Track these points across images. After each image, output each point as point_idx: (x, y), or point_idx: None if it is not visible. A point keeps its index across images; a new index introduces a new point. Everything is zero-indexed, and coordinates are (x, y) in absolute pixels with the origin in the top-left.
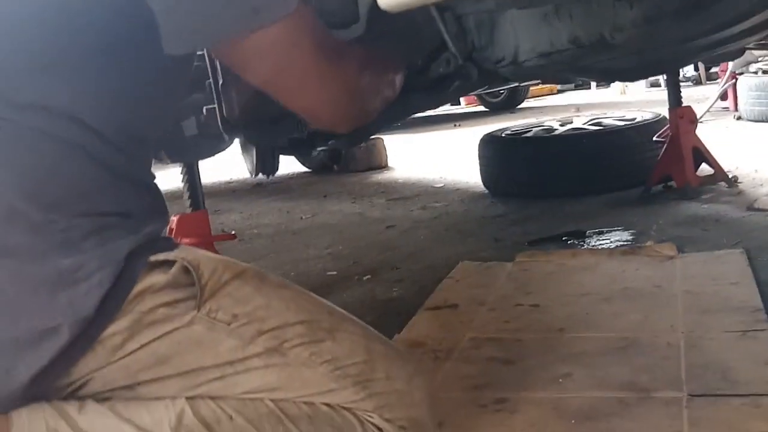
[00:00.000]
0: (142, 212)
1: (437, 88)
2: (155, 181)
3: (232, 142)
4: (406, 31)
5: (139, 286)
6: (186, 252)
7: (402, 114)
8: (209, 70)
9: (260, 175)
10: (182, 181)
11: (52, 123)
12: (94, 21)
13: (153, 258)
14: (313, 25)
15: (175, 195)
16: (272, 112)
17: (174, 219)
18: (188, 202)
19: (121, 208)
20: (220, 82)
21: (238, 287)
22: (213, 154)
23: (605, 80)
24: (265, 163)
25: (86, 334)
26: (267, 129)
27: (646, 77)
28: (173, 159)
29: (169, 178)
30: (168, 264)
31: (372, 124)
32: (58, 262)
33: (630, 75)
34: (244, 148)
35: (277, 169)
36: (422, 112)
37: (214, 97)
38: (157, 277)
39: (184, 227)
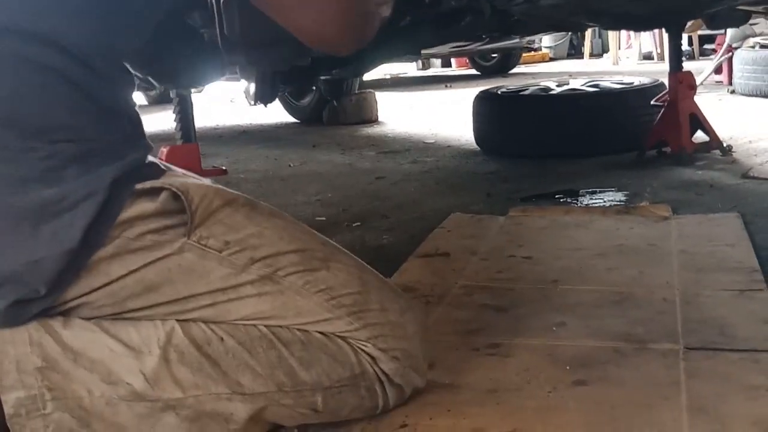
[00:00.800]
0: (124, 139)
1: (448, 22)
2: (136, 109)
3: (227, 69)
4: None
5: (125, 214)
6: (174, 178)
7: (411, 48)
8: None
9: (257, 111)
10: (174, 112)
11: (27, 47)
12: None
13: (140, 186)
14: None
15: (169, 136)
16: (275, 33)
17: (164, 150)
18: (179, 134)
19: (102, 135)
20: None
21: (230, 214)
22: (207, 82)
23: (617, 27)
24: (264, 91)
25: (71, 266)
26: (269, 51)
27: (659, 27)
28: (163, 83)
29: (162, 119)
30: (156, 191)
31: (378, 55)
32: (41, 192)
33: (643, 23)
34: (244, 74)
35: (275, 98)
36: (430, 47)
37: (215, 12)
38: (145, 205)
39: (174, 159)
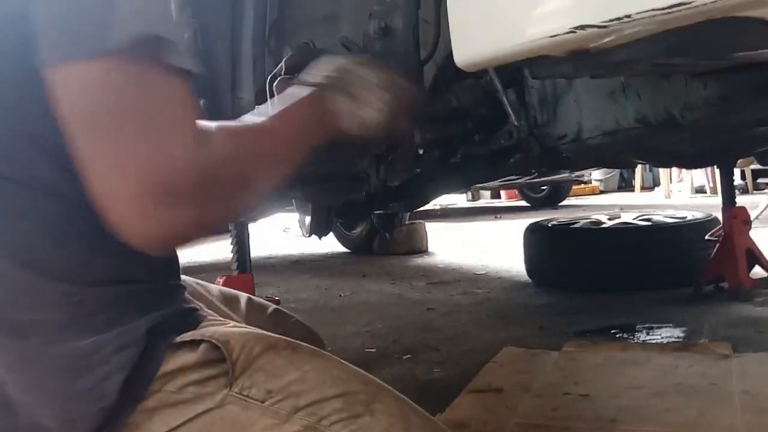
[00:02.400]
0: (163, 283)
1: (497, 159)
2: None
3: (285, 202)
4: (468, 101)
5: (166, 367)
6: (213, 328)
7: (462, 183)
8: None
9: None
10: (231, 243)
11: (47, 181)
12: None
13: (179, 338)
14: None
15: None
16: (330, 169)
17: (220, 280)
18: (235, 264)
19: (132, 274)
20: None
21: (271, 360)
22: (266, 216)
23: (667, 165)
24: (319, 224)
25: (109, 424)
26: (325, 186)
27: (710, 164)
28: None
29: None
30: (195, 342)
31: (430, 190)
32: (76, 344)
33: (693, 161)
34: (299, 208)
35: (329, 231)
36: (480, 183)
37: None
38: (186, 357)
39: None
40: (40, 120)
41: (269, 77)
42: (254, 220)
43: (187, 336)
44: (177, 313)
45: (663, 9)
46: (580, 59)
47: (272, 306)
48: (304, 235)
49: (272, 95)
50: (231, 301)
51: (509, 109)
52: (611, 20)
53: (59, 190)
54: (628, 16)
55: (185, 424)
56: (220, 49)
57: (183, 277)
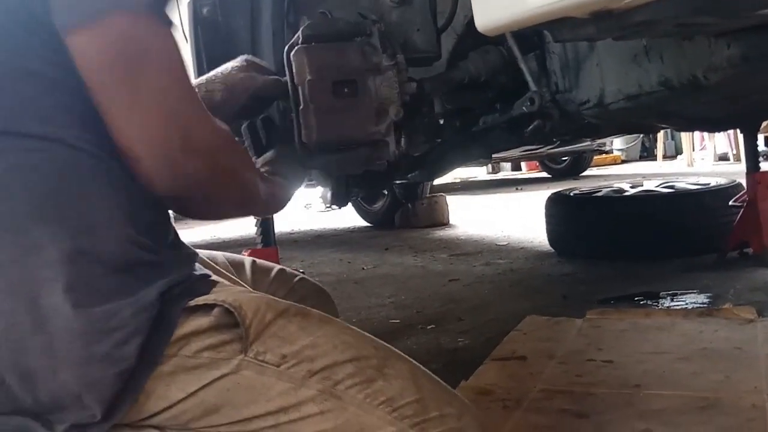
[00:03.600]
0: (171, 249)
1: (517, 126)
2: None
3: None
4: (486, 70)
5: (180, 330)
6: (225, 293)
7: (483, 152)
8: (291, 94)
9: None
10: (254, 217)
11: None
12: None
13: (192, 302)
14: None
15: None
16: (351, 139)
17: (245, 253)
18: (259, 239)
19: (144, 241)
20: (300, 106)
21: (283, 326)
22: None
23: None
24: (339, 194)
25: (128, 387)
26: (345, 156)
27: (733, 128)
28: None
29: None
30: (208, 307)
31: (452, 159)
32: (90, 311)
33: (717, 124)
34: (320, 179)
35: (349, 201)
36: (501, 151)
37: (294, 120)
38: (200, 321)
39: None
40: (61, 82)
41: (287, 47)
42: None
43: (200, 300)
44: (189, 279)
45: None
46: (602, 20)
47: (276, 267)
48: (325, 206)
49: (289, 66)
50: (237, 267)
51: (529, 77)
52: None
53: (81, 143)
54: None
55: (202, 389)
56: (240, 24)
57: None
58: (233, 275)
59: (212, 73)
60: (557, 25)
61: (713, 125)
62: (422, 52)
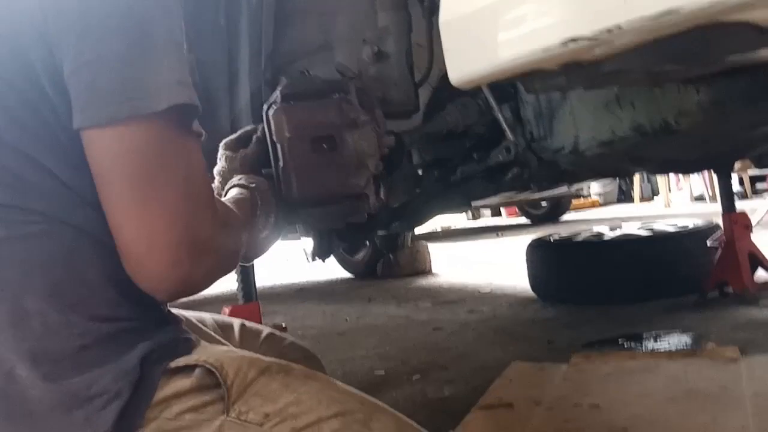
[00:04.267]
0: (155, 314)
1: (495, 176)
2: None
3: (282, 233)
4: (463, 121)
5: (161, 393)
6: (206, 353)
7: (462, 200)
8: (270, 151)
9: (312, 268)
10: (236, 273)
11: (60, 208)
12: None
13: (173, 364)
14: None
15: (230, 297)
16: (331, 193)
17: (226, 310)
18: (241, 294)
19: (129, 312)
20: (281, 163)
21: (266, 384)
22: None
23: (663, 171)
24: (322, 247)
25: None
26: (325, 210)
27: (706, 168)
28: None
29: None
30: (189, 368)
31: (431, 208)
32: (71, 380)
33: (691, 166)
34: (302, 232)
35: (332, 254)
36: (480, 199)
37: (275, 177)
38: (181, 382)
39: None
40: (72, 171)
41: (266, 106)
42: (254, 258)
43: (181, 361)
44: (170, 341)
45: (651, 17)
46: (572, 72)
47: (266, 330)
48: (308, 260)
49: (268, 124)
50: (225, 329)
51: (505, 126)
52: (601, 31)
53: (86, 227)
54: (618, 26)
55: None
56: (218, 84)
57: (175, 310)
58: (221, 338)
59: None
60: (528, 77)
61: (687, 167)
62: (400, 106)
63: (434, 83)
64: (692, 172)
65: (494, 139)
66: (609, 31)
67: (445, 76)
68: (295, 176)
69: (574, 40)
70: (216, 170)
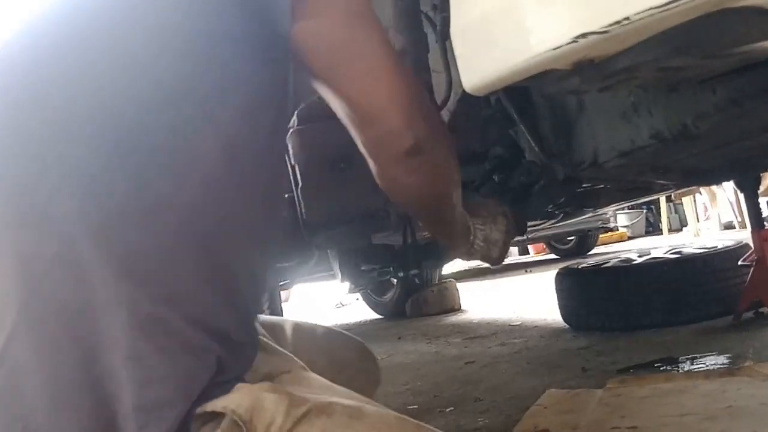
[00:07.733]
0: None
1: (521, 196)
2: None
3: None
4: (482, 140)
5: None
6: (241, 397)
7: None
8: (290, 175)
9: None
10: (264, 309)
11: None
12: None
13: (200, 410)
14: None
15: None
16: (349, 210)
17: None
18: None
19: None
20: (300, 185)
21: None
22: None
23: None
24: (347, 272)
25: None
26: (347, 229)
27: (728, 179)
28: None
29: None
30: (219, 414)
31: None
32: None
33: (714, 176)
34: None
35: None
36: None
37: (295, 199)
38: None
39: None
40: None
41: None
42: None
43: (208, 407)
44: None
45: (659, 7)
46: (585, 70)
47: (321, 327)
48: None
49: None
50: (276, 330)
51: (529, 140)
52: (611, 24)
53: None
54: (627, 18)
55: None
56: None
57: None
58: (271, 341)
59: None
60: (541, 78)
61: (710, 177)
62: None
63: (452, 107)
64: (717, 182)
65: (514, 159)
66: (618, 23)
67: (461, 98)
68: (314, 196)
69: (583, 35)
70: None
